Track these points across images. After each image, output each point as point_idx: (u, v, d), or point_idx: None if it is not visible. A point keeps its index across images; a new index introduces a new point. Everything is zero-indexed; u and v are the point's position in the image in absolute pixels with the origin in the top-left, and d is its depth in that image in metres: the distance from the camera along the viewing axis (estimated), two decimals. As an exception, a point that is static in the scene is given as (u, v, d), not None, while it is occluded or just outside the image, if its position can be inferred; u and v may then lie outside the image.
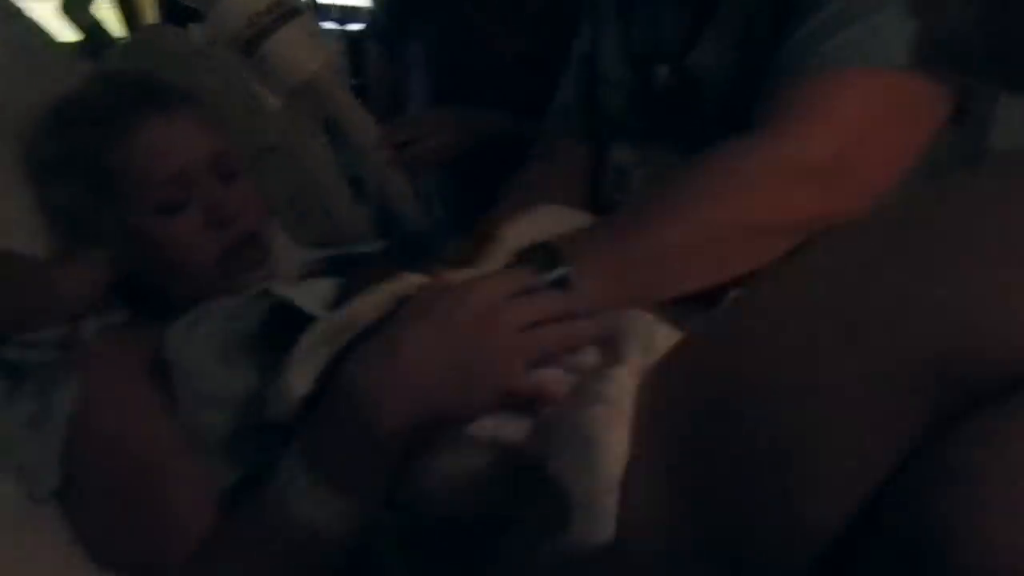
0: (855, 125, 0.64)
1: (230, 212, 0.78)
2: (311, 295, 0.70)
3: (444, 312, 0.55)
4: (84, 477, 0.67)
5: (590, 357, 0.57)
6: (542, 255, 0.62)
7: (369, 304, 0.60)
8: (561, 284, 0.60)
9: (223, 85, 1.06)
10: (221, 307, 0.72)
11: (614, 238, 0.64)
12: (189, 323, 0.71)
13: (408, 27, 1.37)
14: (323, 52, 1.08)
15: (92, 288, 0.75)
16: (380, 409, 0.53)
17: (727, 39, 0.77)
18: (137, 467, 0.66)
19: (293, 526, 0.56)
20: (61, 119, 0.80)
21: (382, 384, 0.53)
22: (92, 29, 1.13)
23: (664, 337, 0.56)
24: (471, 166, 1.18)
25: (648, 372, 0.54)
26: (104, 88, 0.81)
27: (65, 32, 1.11)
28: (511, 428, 0.54)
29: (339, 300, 0.66)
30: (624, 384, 0.52)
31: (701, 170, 0.66)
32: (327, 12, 2.00)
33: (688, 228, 0.63)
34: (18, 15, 0.96)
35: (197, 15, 1.07)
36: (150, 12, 1.69)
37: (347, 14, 2.06)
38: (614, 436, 0.48)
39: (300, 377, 0.58)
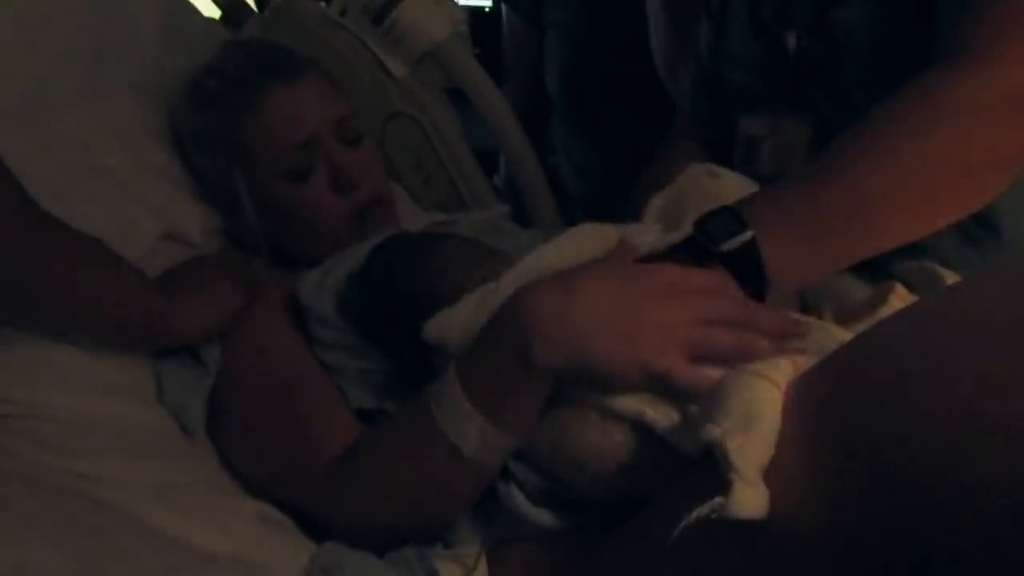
0: None
1: (355, 176, 0.81)
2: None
3: (632, 275, 0.55)
4: (231, 399, 0.71)
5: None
6: (723, 219, 0.60)
7: (577, 244, 0.62)
8: (748, 252, 0.58)
9: (353, 53, 1.09)
10: (350, 255, 0.75)
11: (804, 193, 0.60)
12: (322, 272, 0.74)
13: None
14: (449, 21, 1.09)
15: (207, 330, 0.72)
16: (540, 341, 0.54)
17: None
18: (280, 384, 0.69)
19: (440, 443, 0.58)
20: (197, 93, 0.84)
21: (548, 318, 0.54)
22: (231, 5, 1.17)
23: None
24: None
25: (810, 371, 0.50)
26: (234, 61, 0.85)
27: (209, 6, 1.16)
28: (654, 411, 0.54)
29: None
30: (786, 371, 0.50)
31: (895, 107, 0.60)
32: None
33: (889, 170, 0.58)
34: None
35: (327, -12, 1.10)
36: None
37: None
38: (775, 415, 0.47)
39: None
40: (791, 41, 0.83)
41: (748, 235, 0.58)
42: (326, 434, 0.66)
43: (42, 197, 0.70)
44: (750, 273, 0.59)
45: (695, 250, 0.61)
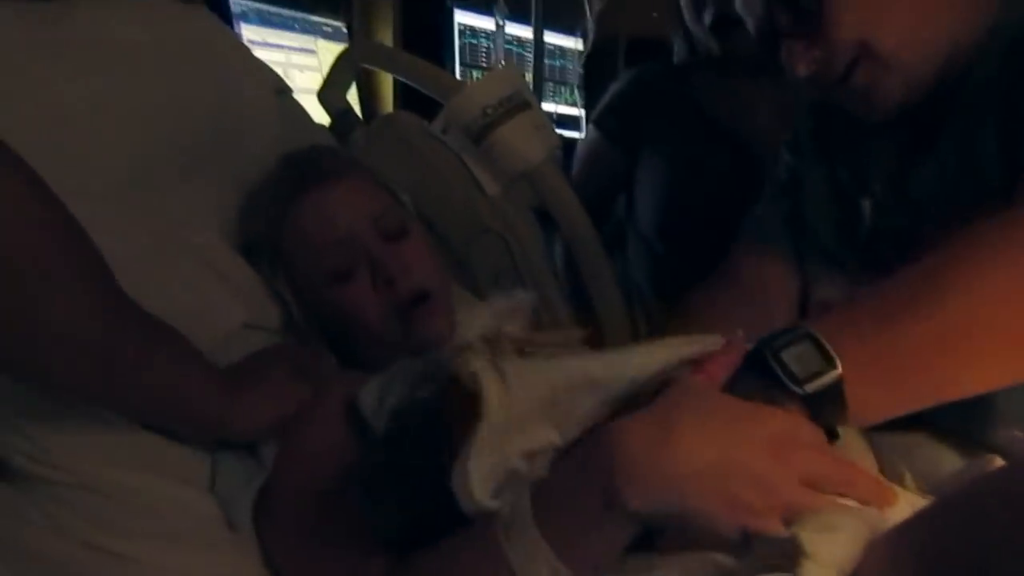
0: None
1: (395, 270, 0.79)
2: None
3: (734, 418, 0.53)
4: (280, 501, 0.69)
5: None
6: (802, 348, 0.56)
7: (653, 359, 0.58)
8: (832, 391, 0.54)
9: (449, 168, 1.13)
10: (410, 370, 0.73)
11: (884, 322, 0.56)
12: (381, 385, 0.73)
13: (642, 127, 1.42)
14: (546, 145, 1.12)
15: (267, 430, 0.72)
16: (630, 483, 0.51)
17: (951, 161, 0.74)
18: (330, 493, 0.67)
19: (503, 573, 0.54)
20: (249, 204, 0.87)
21: (641, 459, 0.51)
22: (342, 114, 1.23)
23: None
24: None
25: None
26: (281, 173, 0.87)
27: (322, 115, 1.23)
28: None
29: None
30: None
31: (982, 237, 0.58)
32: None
33: (981, 301, 0.55)
34: (288, 98, 1.08)
35: (429, 109, 1.15)
36: (388, 102, 1.86)
37: (563, 121, 2.16)
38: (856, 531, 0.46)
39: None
40: (867, 206, 0.82)
41: (835, 375, 0.54)
42: (373, 551, 0.63)
43: (132, 270, 0.73)
44: (827, 410, 0.55)
45: (766, 378, 0.56)
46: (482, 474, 0.56)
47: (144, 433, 0.66)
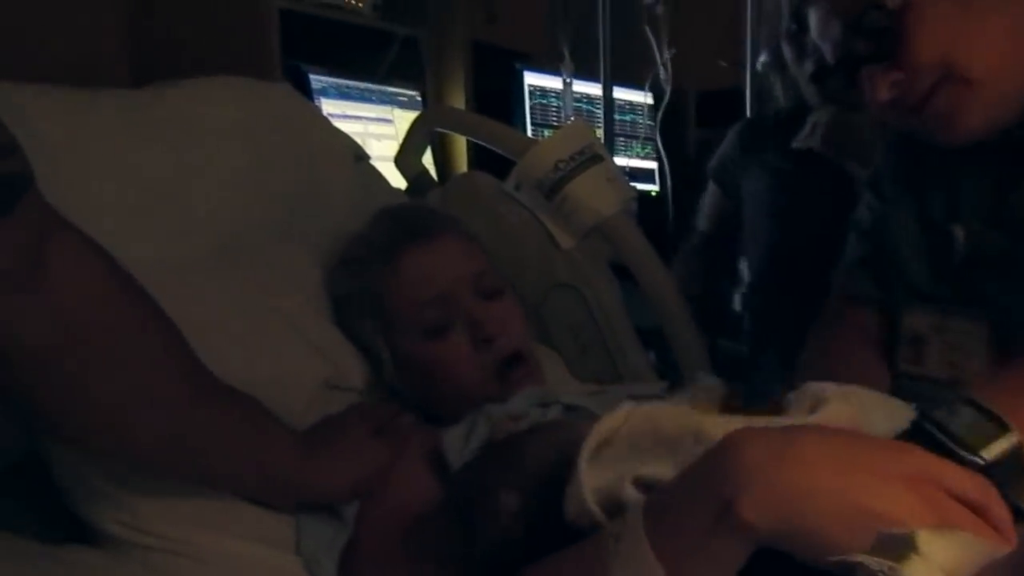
0: None
1: (493, 329, 0.80)
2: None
3: (867, 449, 0.49)
4: (364, 559, 0.69)
5: None
6: (968, 417, 0.52)
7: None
8: (1011, 461, 0.50)
9: (523, 225, 1.14)
10: (494, 413, 0.73)
11: None
12: (466, 430, 0.73)
13: (750, 165, 1.43)
14: (620, 197, 1.12)
15: (349, 493, 0.72)
16: (748, 494, 0.47)
17: None
18: (412, 544, 0.67)
19: None
20: (346, 259, 0.89)
21: (763, 471, 0.48)
22: (418, 177, 1.26)
23: None
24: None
25: None
26: (378, 228, 0.88)
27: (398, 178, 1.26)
28: None
29: None
30: None
31: None
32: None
33: None
34: (367, 164, 1.11)
35: (501, 169, 1.17)
36: (463, 163, 1.90)
37: (635, 174, 2.17)
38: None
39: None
40: (959, 234, 0.79)
41: (1014, 440, 0.50)
42: None
43: (220, 334, 0.76)
44: (1012, 479, 0.49)
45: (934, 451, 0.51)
46: (594, 484, 0.55)
47: (229, 498, 0.68)
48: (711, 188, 1.62)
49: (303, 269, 0.89)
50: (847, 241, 0.96)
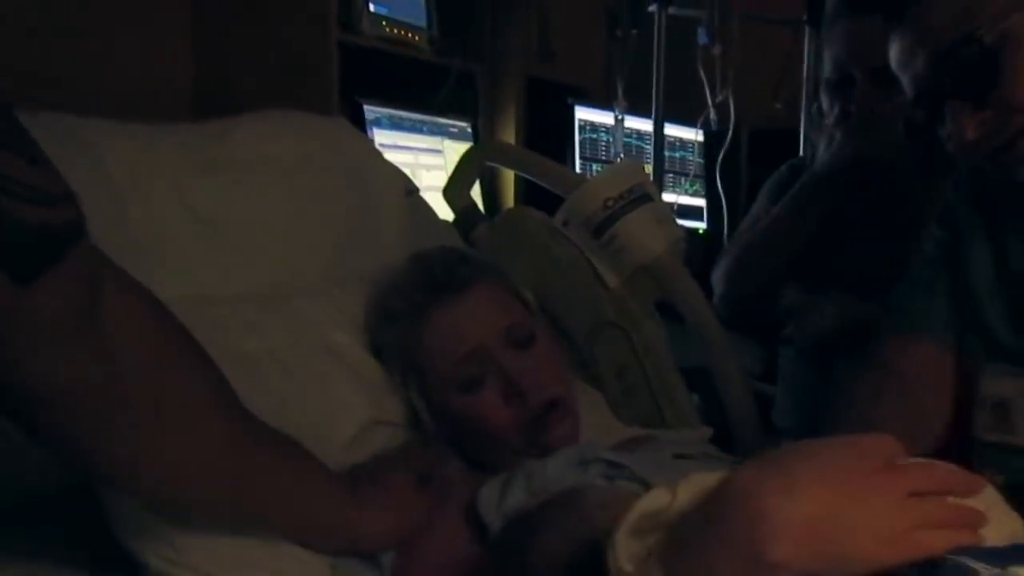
0: None
1: (526, 383, 0.80)
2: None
3: (836, 454, 0.52)
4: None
5: None
6: None
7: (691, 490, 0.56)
8: None
9: (570, 262, 1.13)
10: (531, 473, 0.72)
11: None
12: (501, 486, 0.72)
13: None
14: (669, 237, 1.11)
15: (388, 542, 0.72)
16: (774, 539, 0.48)
17: None
18: None
19: None
20: (380, 309, 0.89)
21: (777, 513, 0.49)
22: (466, 210, 1.27)
23: None
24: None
25: None
26: (410, 278, 0.88)
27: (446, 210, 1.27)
28: None
29: None
30: None
31: None
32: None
33: None
34: (417, 197, 1.13)
35: (550, 204, 1.17)
36: (510, 197, 1.92)
37: (684, 211, 2.15)
38: None
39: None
40: None
41: None
42: None
43: (270, 368, 0.77)
44: None
45: None
46: (631, 551, 0.54)
47: (269, 538, 0.68)
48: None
49: (354, 307, 0.90)
50: (903, 276, 0.91)
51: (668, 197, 2.17)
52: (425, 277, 0.87)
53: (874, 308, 1.08)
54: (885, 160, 1.28)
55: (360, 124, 1.70)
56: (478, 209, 1.29)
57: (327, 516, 0.67)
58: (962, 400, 0.83)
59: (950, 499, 0.53)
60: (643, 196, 1.11)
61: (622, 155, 2.04)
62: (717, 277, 1.44)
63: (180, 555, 0.65)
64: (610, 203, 1.10)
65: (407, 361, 0.85)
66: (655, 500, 0.57)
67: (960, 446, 0.83)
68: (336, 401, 0.80)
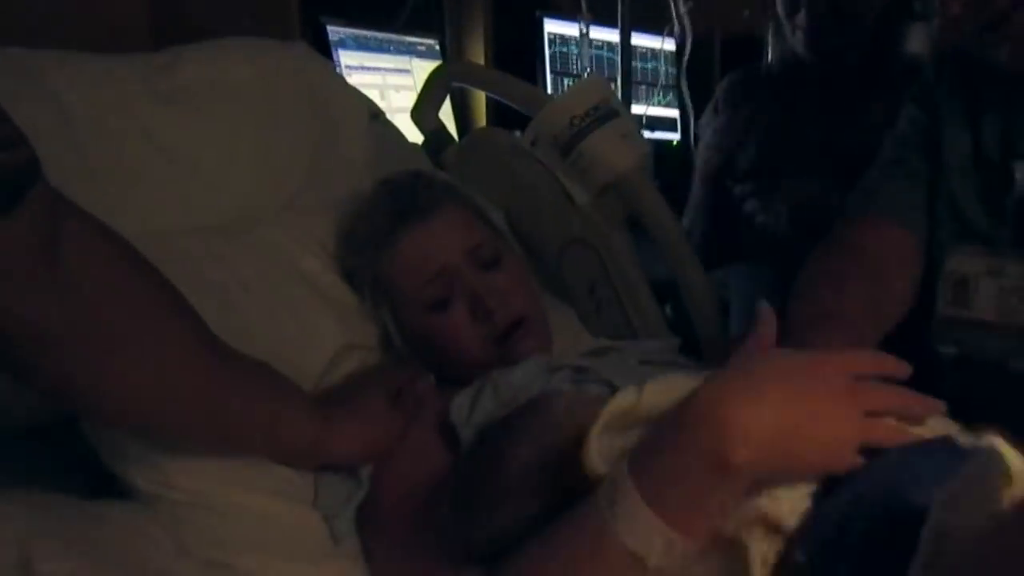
0: None
1: (493, 302, 0.82)
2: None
3: (802, 372, 0.56)
4: (377, 516, 0.72)
5: None
6: None
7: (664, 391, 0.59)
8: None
9: (539, 181, 1.14)
10: (500, 381, 0.75)
11: None
12: (472, 397, 0.75)
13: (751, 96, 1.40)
14: (635, 154, 1.12)
15: (363, 457, 0.75)
16: (735, 444, 0.53)
17: None
18: (423, 507, 0.70)
19: (618, 552, 0.55)
20: (348, 237, 0.90)
21: (743, 422, 0.53)
22: (434, 132, 1.27)
23: None
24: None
25: None
26: (377, 206, 0.89)
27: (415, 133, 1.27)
28: None
29: None
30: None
31: None
32: (636, 121, 2.09)
33: None
34: (382, 121, 1.12)
35: (522, 120, 1.17)
36: (482, 117, 1.90)
37: (655, 123, 2.14)
38: None
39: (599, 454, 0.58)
40: (1020, 173, 0.76)
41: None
42: (467, 562, 0.65)
43: (243, 299, 0.78)
44: None
45: None
46: (603, 451, 0.58)
47: (253, 456, 0.71)
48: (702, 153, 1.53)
49: (322, 233, 0.91)
50: (876, 157, 0.92)
51: (639, 109, 2.15)
52: (390, 202, 0.88)
53: (824, 191, 1.11)
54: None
55: (324, 45, 1.66)
56: (447, 131, 1.28)
57: (303, 435, 0.69)
58: (928, 278, 0.86)
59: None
60: (609, 112, 1.11)
61: (590, 69, 2.01)
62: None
63: (168, 477, 0.67)
64: (576, 121, 1.10)
65: (376, 285, 0.87)
66: (623, 400, 0.60)
67: (921, 321, 0.87)
68: (308, 328, 0.82)
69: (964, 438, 0.55)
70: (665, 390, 0.60)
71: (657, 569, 0.54)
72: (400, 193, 0.89)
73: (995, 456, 0.49)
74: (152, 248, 0.60)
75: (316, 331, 0.83)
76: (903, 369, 0.59)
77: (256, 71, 0.93)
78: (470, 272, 0.84)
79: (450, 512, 0.65)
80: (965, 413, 0.64)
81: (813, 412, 0.54)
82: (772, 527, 0.56)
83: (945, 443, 0.56)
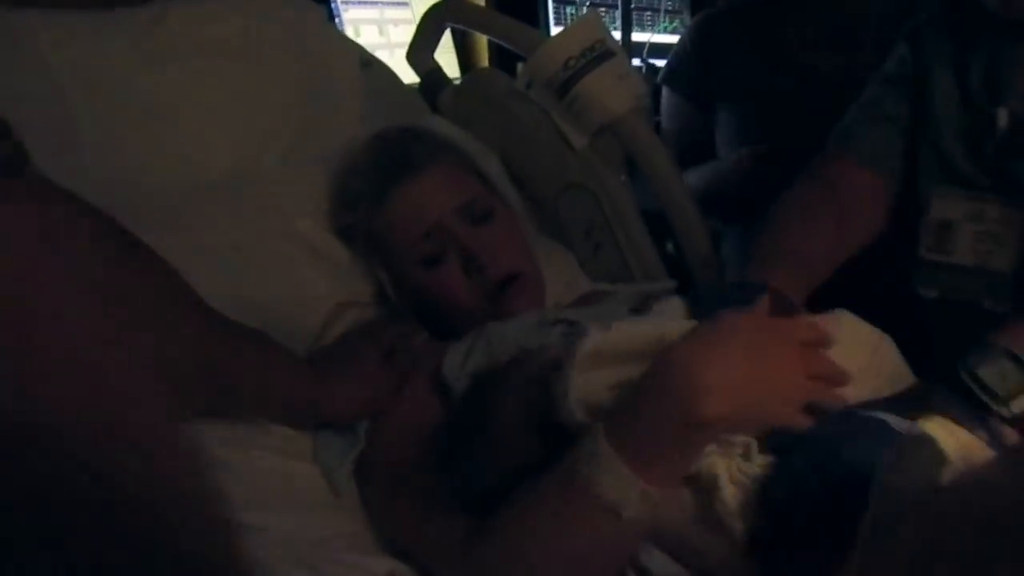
0: None
1: (484, 257, 0.83)
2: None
3: (760, 331, 0.60)
4: (375, 470, 0.75)
5: None
6: (1005, 364, 0.56)
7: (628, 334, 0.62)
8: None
9: (536, 124, 1.13)
10: (492, 334, 0.77)
11: None
12: (464, 352, 0.77)
13: (714, 63, 1.37)
14: (631, 94, 1.10)
15: (357, 414, 0.77)
16: (704, 400, 0.56)
17: None
18: (419, 461, 0.72)
19: (596, 505, 0.58)
20: (341, 193, 0.90)
21: (707, 379, 0.57)
22: (430, 73, 1.25)
23: None
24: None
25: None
26: (368, 162, 0.89)
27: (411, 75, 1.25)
28: None
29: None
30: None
31: None
32: (639, 49, 2.05)
33: None
34: (375, 68, 1.11)
35: (523, 58, 1.15)
36: (484, 56, 1.86)
37: (659, 50, 2.09)
38: None
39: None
40: (1003, 118, 0.76)
41: None
42: (459, 511, 0.67)
43: (238, 259, 0.80)
44: None
45: (961, 396, 0.57)
46: (580, 395, 0.61)
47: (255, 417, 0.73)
48: (670, 98, 1.46)
49: (314, 189, 0.91)
50: (864, 99, 0.92)
51: (641, 37, 2.10)
52: (382, 159, 0.88)
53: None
54: None
55: (319, -19, 1.63)
56: (442, 72, 1.27)
57: (297, 396, 0.71)
58: (910, 222, 0.86)
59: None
60: (604, 53, 1.09)
61: (588, 5, 1.96)
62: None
63: None
64: (571, 63, 1.08)
65: (370, 241, 0.88)
66: (591, 341, 0.63)
67: (902, 264, 0.88)
68: (304, 287, 0.83)
69: (895, 421, 0.57)
70: (630, 328, 0.63)
71: (635, 520, 0.57)
72: (391, 149, 0.89)
73: (927, 438, 0.50)
74: (143, 213, 0.61)
75: (310, 290, 0.84)
76: (829, 340, 0.62)
77: (244, 23, 0.92)
78: (462, 227, 0.84)
79: (441, 463, 0.68)
80: (945, 349, 0.66)
81: (772, 369, 0.58)
82: (739, 468, 0.60)
83: (881, 423, 0.58)
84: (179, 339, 0.61)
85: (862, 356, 0.67)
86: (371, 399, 0.76)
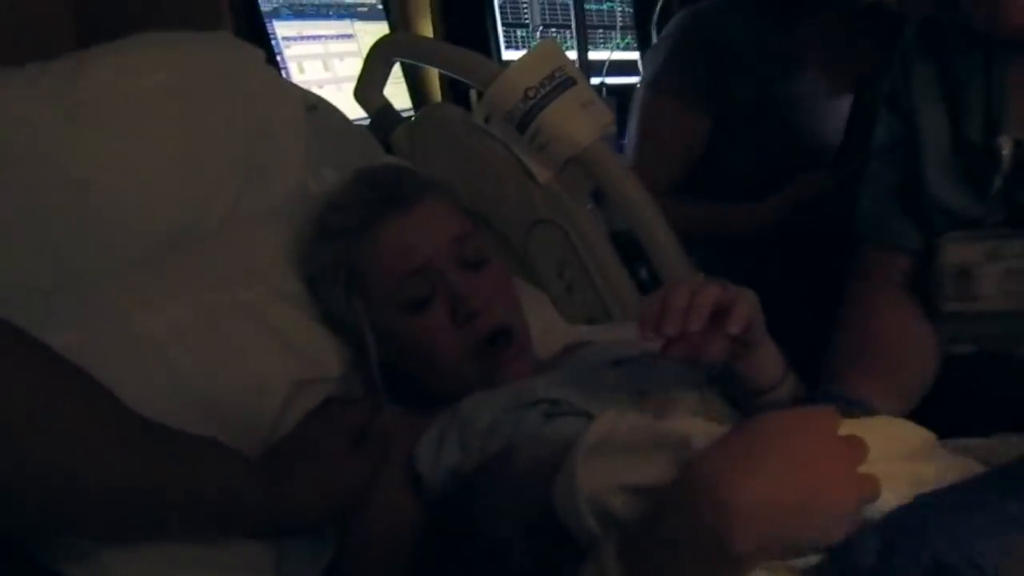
0: None
1: (476, 304, 0.76)
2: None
3: (797, 433, 0.52)
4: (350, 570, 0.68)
5: None
6: None
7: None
8: None
9: (497, 159, 1.07)
10: (464, 425, 0.70)
11: None
12: (438, 438, 0.70)
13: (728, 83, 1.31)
14: (597, 123, 1.05)
15: (323, 512, 0.69)
16: (738, 530, 0.48)
17: None
18: (400, 564, 0.65)
19: None
20: (321, 229, 0.82)
21: (744, 505, 0.48)
22: (380, 111, 1.19)
23: None
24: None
25: None
26: (353, 196, 0.82)
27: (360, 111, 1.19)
28: None
29: None
30: None
31: None
32: (597, 67, 2.00)
33: None
34: (321, 111, 1.04)
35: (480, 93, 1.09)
36: (436, 86, 1.80)
37: (617, 68, 2.05)
38: None
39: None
40: (1006, 147, 0.72)
41: None
42: None
43: (180, 342, 0.72)
44: None
45: None
46: (586, 493, 0.54)
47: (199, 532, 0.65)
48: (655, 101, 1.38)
49: (263, 250, 0.83)
50: (866, 177, 0.87)
51: (597, 55, 2.06)
52: (371, 191, 0.81)
53: None
54: None
55: (257, 17, 1.56)
56: (394, 110, 1.20)
57: (251, 502, 0.63)
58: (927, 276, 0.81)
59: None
60: (564, 81, 1.04)
61: (540, 28, 1.91)
62: None
63: (105, 569, 0.61)
64: (531, 93, 1.03)
65: (350, 282, 0.79)
66: (594, 435, 0.56)
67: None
68: (258, 369, 0.74)
69: None
70: (634, 426, 0.56)
71: None
72: (381, 182, 0.82)
73: None
74: (69, 304, 0.53)
75: (265, 372, 0.75)
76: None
77: (171, 73, 0.84)
78: (454, 271, 0.77)
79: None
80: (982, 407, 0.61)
81: (815, 485, 0.50)
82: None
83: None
84: (100, 468, 0.53)
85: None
86: (339, 491, 0.67)
